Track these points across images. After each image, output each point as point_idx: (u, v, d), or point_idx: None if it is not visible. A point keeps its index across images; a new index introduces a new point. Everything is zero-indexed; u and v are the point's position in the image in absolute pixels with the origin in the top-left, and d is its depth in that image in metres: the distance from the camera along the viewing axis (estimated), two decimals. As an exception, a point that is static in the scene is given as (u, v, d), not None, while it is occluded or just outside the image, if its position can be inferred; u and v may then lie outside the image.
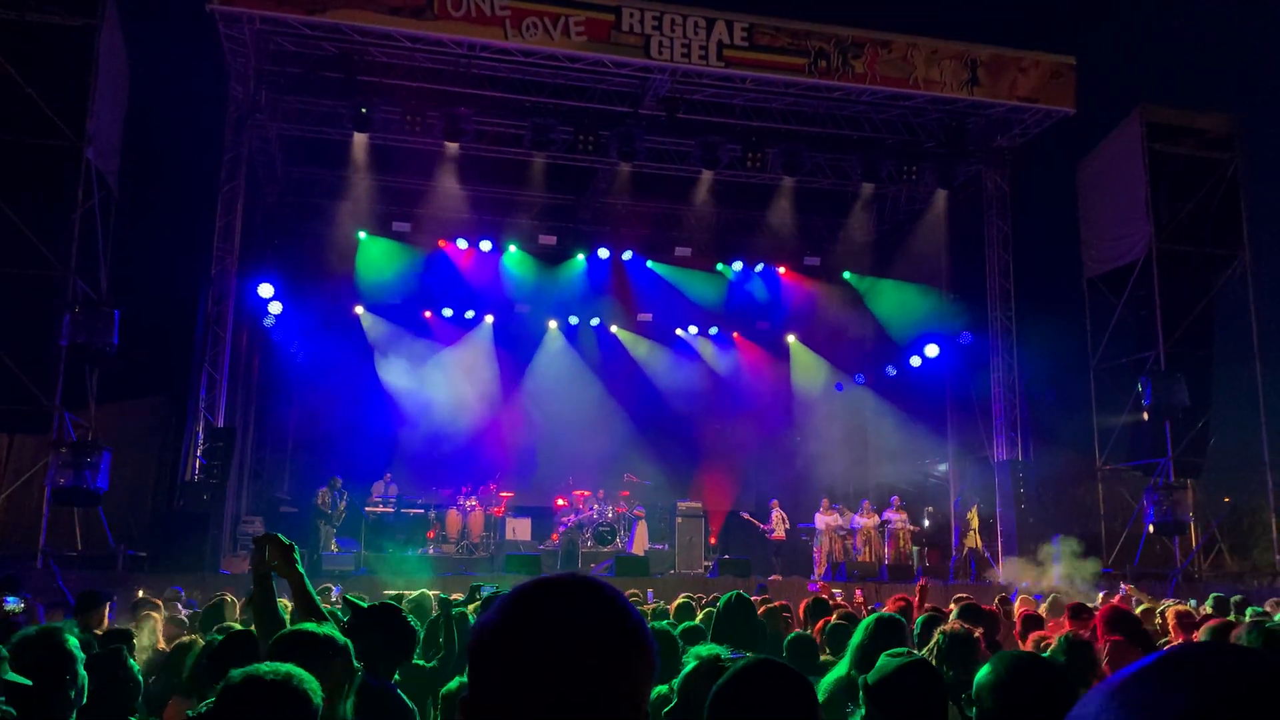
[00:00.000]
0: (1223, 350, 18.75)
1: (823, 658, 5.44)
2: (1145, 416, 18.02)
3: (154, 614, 6.88)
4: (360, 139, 17.40)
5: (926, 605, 7.06)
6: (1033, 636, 6.05)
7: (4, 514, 14.71)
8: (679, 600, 8.12)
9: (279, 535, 3.75)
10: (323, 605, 3.92)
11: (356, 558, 16.12)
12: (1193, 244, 18.41)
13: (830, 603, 8.12)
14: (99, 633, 5.41)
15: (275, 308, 17.81)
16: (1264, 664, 0.75)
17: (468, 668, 1.26)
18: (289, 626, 3.28)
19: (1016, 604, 10.06)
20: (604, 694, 1.19)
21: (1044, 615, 7.81)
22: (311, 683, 2.38)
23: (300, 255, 20.19)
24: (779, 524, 18.93)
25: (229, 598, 7.56)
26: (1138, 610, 7.51)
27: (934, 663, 4.05)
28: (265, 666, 2.36)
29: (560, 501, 18.70)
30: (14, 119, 14.68)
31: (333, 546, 16.64)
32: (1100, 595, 10.87)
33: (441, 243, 20.71)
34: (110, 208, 15.95)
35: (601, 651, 1.20)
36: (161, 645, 6.07)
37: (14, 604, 6.58)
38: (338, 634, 3.07)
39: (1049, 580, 16.64)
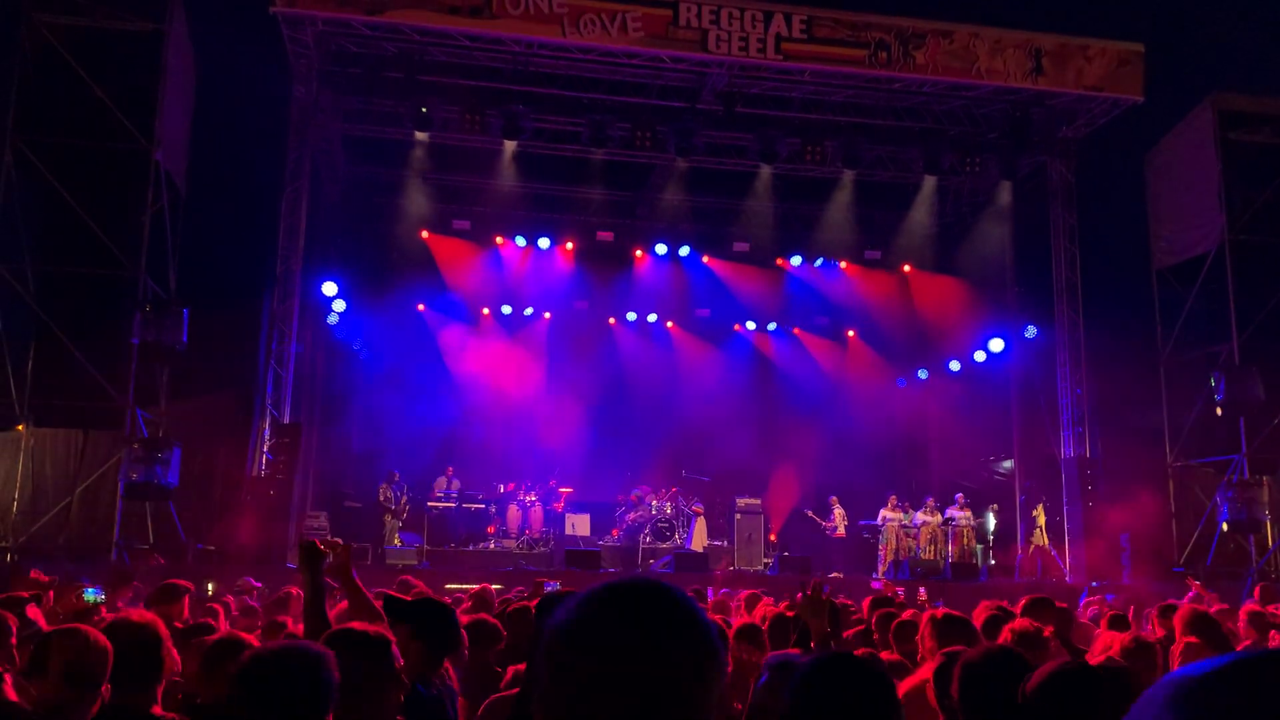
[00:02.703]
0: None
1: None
2: (1218, 411, 17.53)
3: (216, 605, 7.03)
4: (421, 138, 17.57)
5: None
6: (1107, 637, 5.91)
7: (79, 508, 15.09)
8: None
9: (314, 542, 3.75)
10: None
11: (419, 552, 16.32)
12: (1268, 234, 17.89)
13: (894, 600, 8.02)
14: (179, 625, 5.51)
15: (339, 305, 18.08)
16: None
17: (538, 671, 1.25)
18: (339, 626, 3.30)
19: (1084, 604, 9.88)
20: (675, 699, 1.19)
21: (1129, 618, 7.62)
22: (321, 656, 2.40)
23: (363, 254, 20.46)
24: (840, 521, 18.79)
25: (294, 591, 7.67)
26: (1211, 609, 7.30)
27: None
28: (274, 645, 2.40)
29: (629, 497, 18.72)
30: (86, 123, 15.08)
31: (396, 541, 16.85)
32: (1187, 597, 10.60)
33: (500, 240, 20.85)
34: (178, 208, 16.32)
35: (674, 657, 1.20)
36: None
37: (95, 595, 6.74)
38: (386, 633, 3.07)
39: (1118, 579, 16.34)
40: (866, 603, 7.40)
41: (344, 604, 4.40)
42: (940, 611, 4.79)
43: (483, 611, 6.34)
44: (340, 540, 3.82)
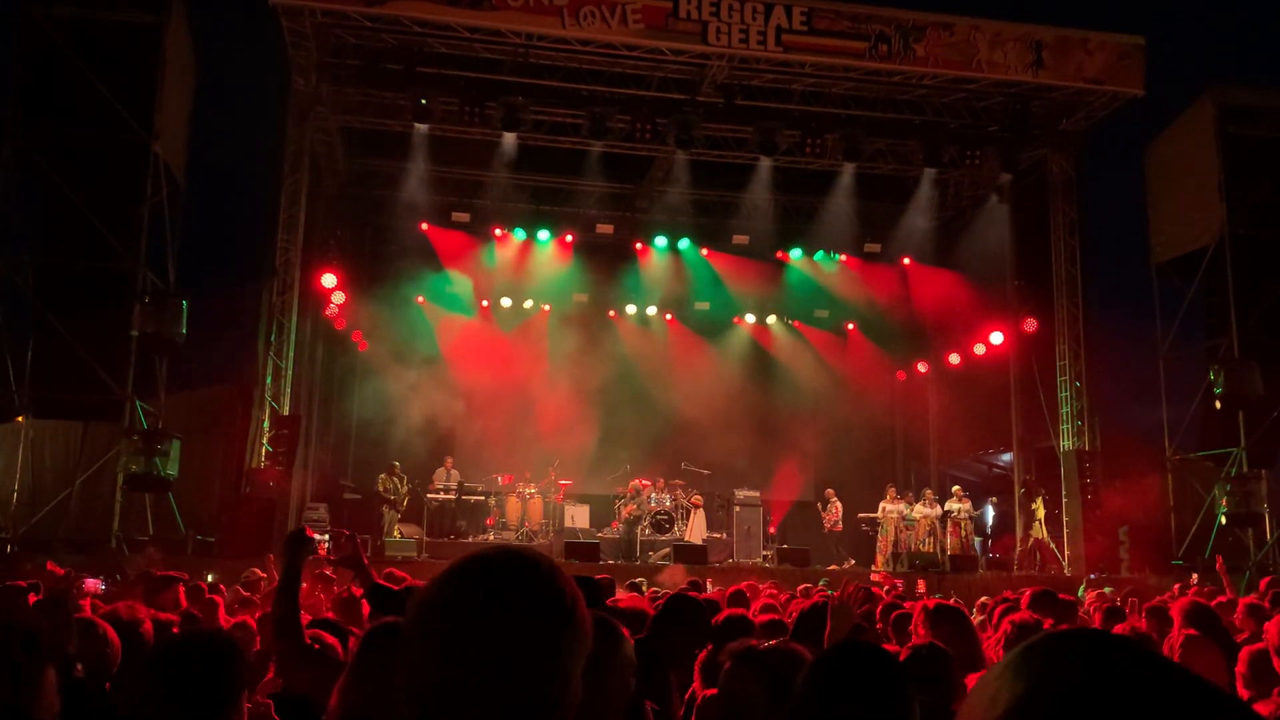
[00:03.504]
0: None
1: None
2: (1218, 405, 17.55)
3: (216, 597, 7.05)
4: (420, 130, 17.54)
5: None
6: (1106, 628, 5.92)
7: (79, 500, 15.09)
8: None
9: (305, 530, 3.74)
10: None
11: (419, 544, 16.34)
12: (1268, 228, 17.88)
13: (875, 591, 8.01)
14: (175, 616, 5.53)
15: (338, 297, 18.05)
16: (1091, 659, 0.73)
17: (407, 634, 1.27)
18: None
19: (1084, 595, 9.89)
20: (526, 665, 1.21)
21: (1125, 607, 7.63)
22: (230, 644, 2.40)
23: (362, 245, 20.49)
24: (838, 515, 18.82)
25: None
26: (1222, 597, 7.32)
27: (1003, 651, 3.99)
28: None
29: (624, 490, 18.72)
30: (85, 114, 15.04)
31: (396, 533, 16.87)
32: (1176, 587, 10.63)
33: (500, 232, 20.84)
34: (177, 200, 16.31)
35: (531, 626, 1.22)
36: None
37: (97, 584, 6.76)
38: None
39: (1117, 572, 16.39)
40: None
41: (358, 591, 4.40)
42: (932, 602, 4.78)
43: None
44: (346, 530, 3.82)
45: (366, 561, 3.83)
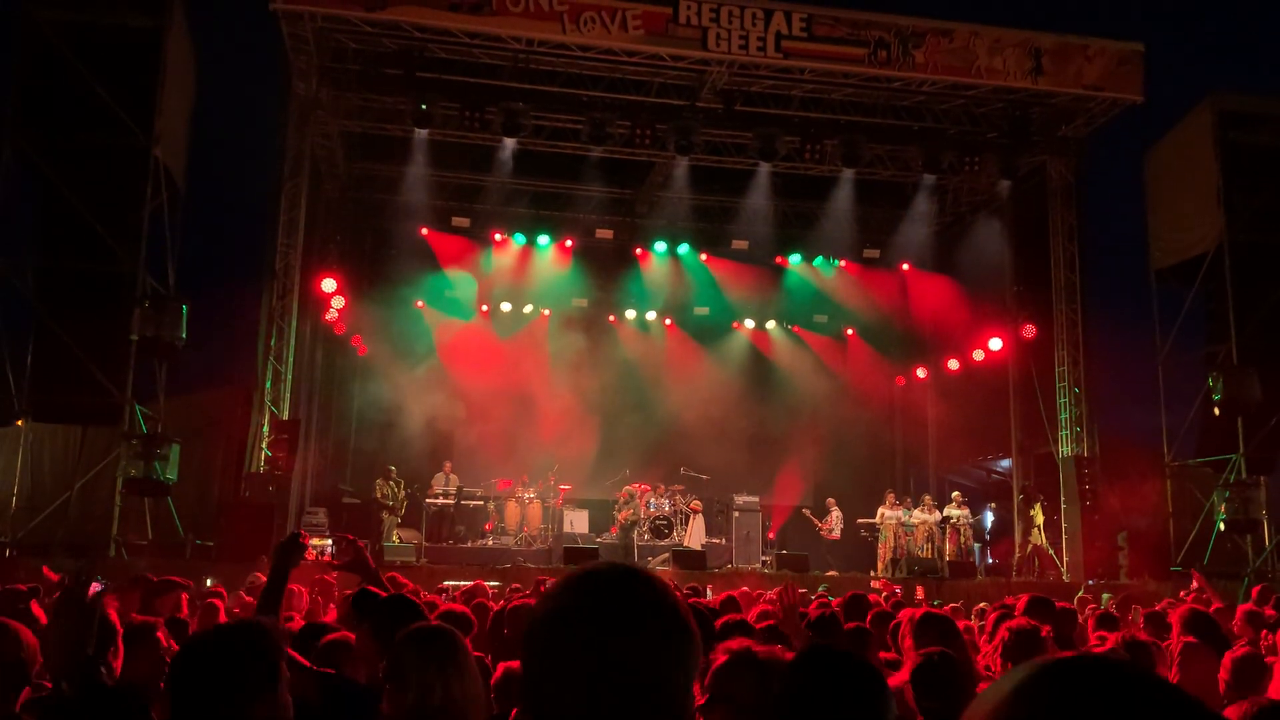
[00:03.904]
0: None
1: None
2: (1216, 411, 17.56)
3: (216, 601, 7.03)
4: (420, 135, 17.56)
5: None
6: (1099, 635, 5.93)
7: (78, 504, 15.08)
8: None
9: (302, 534, 3.74)
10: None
11: (418, 549, 16.34)
12: (1267, 234, 17.89)
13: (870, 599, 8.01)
14: (179, 617, 5.53)
15: (338, 302, 18.05)
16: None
17: (522, 656, 1.28)
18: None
19: (1076, 601, 9.89)
20: (652, 678, 1.22)
21: (1116, 614, 7.64)
22: (264, 631, 2.37)
23: (362, 250, 20.49)
24: (836, 524, 18.82)
25: (295, 588, 7.68)
26: (1211, 608, 7.32)
27: (1000, 659, 3.98)
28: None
29: (618, 495, 18.73)
30: (85, 118, 15.04)
31: (395, 537, 16.85)
32: (1181, 594, 10.62)
33: (500, 237, 20.86)
34: (177, 204, 16.30)
35: (649, 638, 1.23)
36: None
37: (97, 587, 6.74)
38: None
39: (1116, 578, 16.38)
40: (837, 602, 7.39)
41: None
42: (919, 611, 4.77)
43: (469, 603, 6.35)
44: (349, 535, 3.81)
45: (373, 564, 3.81)
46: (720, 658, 2.59)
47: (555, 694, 1.23)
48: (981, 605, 8.77)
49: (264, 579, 9.50)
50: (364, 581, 3.78)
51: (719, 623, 4.96)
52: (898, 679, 3.84)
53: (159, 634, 3.88)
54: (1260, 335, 17.74)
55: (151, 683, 3.53)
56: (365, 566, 3.72)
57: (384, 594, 3.93)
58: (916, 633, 4.22)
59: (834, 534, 18.76)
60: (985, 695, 0.77)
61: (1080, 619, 7.25)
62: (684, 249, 21.50)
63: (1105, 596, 11.03)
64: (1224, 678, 4.16)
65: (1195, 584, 10.20)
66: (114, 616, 3.35)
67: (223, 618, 6.65)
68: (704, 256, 21.73)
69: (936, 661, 3.26)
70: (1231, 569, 16.69)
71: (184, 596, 6.32)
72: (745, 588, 9.57)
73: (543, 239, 20.87)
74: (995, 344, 19.64)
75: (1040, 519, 17.75)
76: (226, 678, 2.32)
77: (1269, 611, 7.27)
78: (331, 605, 7.97)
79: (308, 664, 3.47)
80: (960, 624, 5.46)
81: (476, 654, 5.02)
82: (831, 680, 2.08)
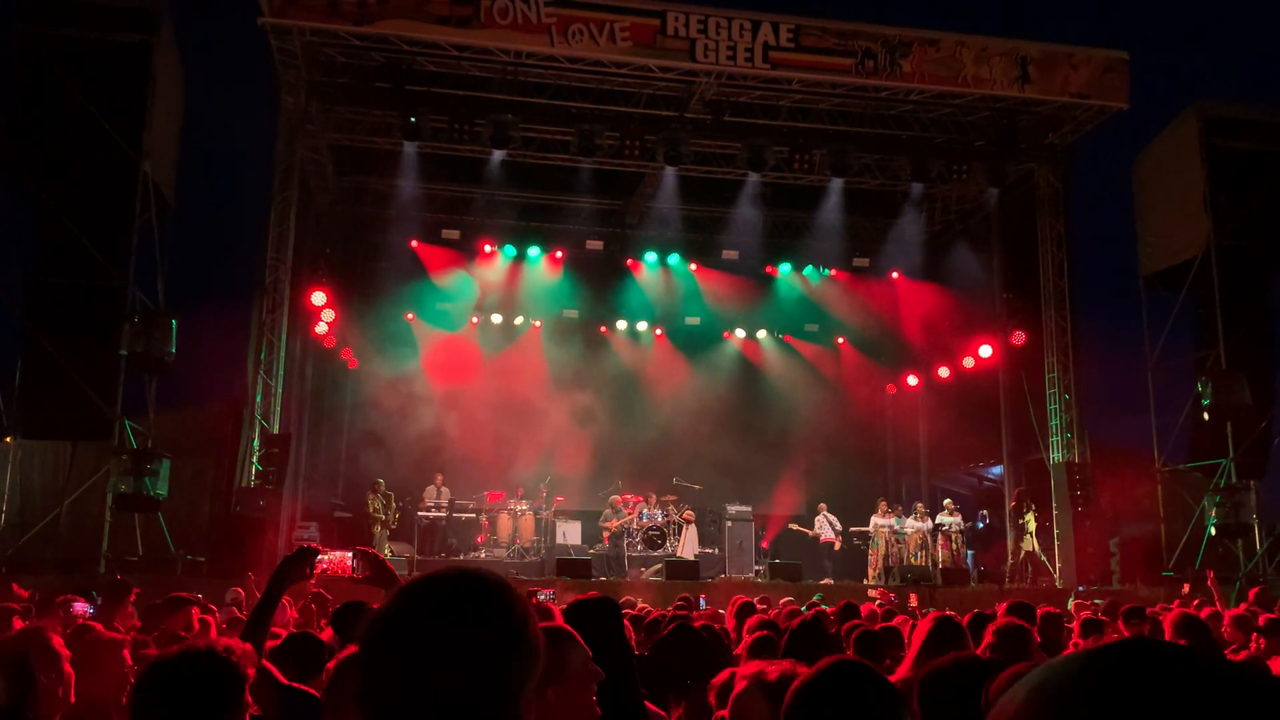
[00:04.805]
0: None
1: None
2: (1206, 416, 17.62)
3: (209, 618, 6.99)
4: (409, 148, 17.58)
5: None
6: (1090, 641, 5.94)
7: (68, 520, 15.02)
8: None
9: (313, 545, 3.69)
10: None
11: (410, 562, 16.29)
12: (1254, 240, 18.00)
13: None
14: (184, 634, 5.50)
15: (328, 315, 18.04)
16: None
17: (362, 658, 1.31)
18: None
19: (1071, 607, 9.91)
20: (485, 683, 1.25)
21: (1104, 619, 7.66)
22: (227, 660, 2.36)
23: (351, 263, 20.48)
24: (823, 527, 18.82)
25: (283, 601, 7.65)
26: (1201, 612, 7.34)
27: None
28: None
29: (610, 506, 18.70)
30: (74, 134, 15.04)
31: (387, 551, 16.79)
32: (1176, 601, 10.64)
33: (490, 249, 20.87)
34: (167, 219, 16.29)
35: (482, 642, 1.26)
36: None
37: (84, 608, 6.71)
38: None
39: (1108, 583, 16.40)
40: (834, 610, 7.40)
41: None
42: (932, 616, 4.78)
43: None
44: (367, 548, 3.74)
45: (397, 576, 3.72)
46: (739, 684, 2.58)
47: (379, 693, 1.25)
48: (975, 612, 8.77)
49: (242, 594, 9.44)
50: (388, 593, 3.71)
51: (843, 628, 4.95)
52: (895, 677, 3.84)
53: (124, 651, 3.85)
54: (1248, 340, 17.83)
55: (113, 703, 3.51)
56: (390, 580, 3.64)
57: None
58: (928, 638, 4.21)
59: (826, 537, 18.72)
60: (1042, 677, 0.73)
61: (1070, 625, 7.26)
62: (674, 259, 21.54)
63: (1097, 602, 11.03)
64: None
65: (1201, 586, 10.22)
66: (57, 643, 3.30)
67: (214, 635, 6.63)
68: (694, 267, 21.78)
69: (949, 669, 3.24)
70: (1223, 573, 16.71)
71: (195, 611, 6.28)
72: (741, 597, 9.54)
73: (533, 250, 20.90)
74: (985, 351, 19.69)
75: (1033, 525, 17.77)
76: (185, 706, 2.31)
77: (1263, 617, 7.28)
78: (323, 620, 7.94)
79: (283, 679, 3.46)
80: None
81: None
82: (849, 694, 2.04)
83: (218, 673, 2.36)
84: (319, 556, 3.62)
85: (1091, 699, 0.67)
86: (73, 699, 3.28)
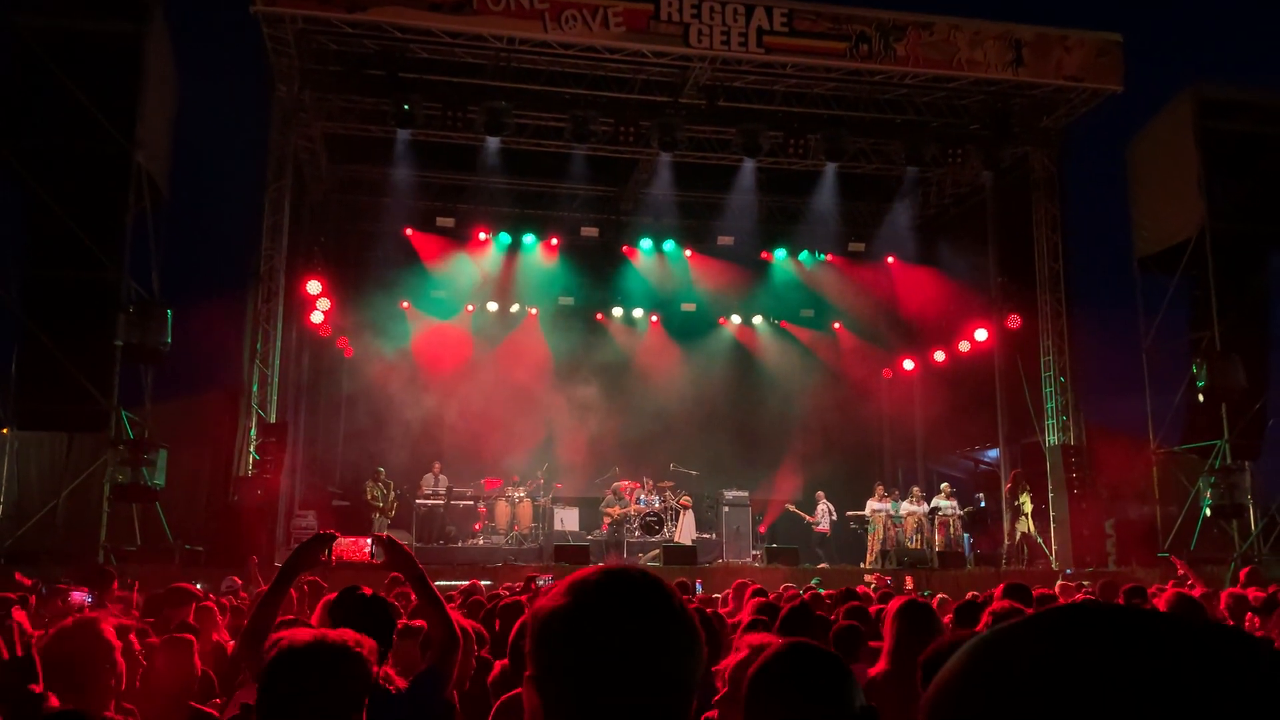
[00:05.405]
0: (1281, 329, 18.36)
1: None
2: (1200, 398, 17.68)
3: (209, 604, 7.01)
4: (403, 135, 17.55)
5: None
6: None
7: (65, 512, 15.02)
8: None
9: (333, 533, 3.63)
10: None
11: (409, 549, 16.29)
12: (1248, 222, 18.01)
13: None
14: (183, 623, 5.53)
15: (323, 304, 18.03)
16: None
17: (531, 652, 1.30)
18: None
19: (1057, 589, 9.95)
20: (658, 675, 1.26)
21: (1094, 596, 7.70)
22: (354, 652, 2.30)
23: (346, 252, 20.45)
24: (823, 516, 18.87)
25: (290, 594, 7.66)
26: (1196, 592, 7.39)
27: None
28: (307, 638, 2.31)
29: (613, 492, 18.75)
30: (66, 124, 14.98)
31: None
32: (1171, 581, 10.68)
33: (485, 236, 20.84)
34: (160, 209, 16.26)
35: (656, 636, 1.27)
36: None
37: (83, 597, 6.74)
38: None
39: (1104, 565, 16.47)
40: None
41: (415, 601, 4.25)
42: (899, 600, 4.78)
43: (470, 613, 6.35)
44: (385, 535, 3.71)
45: (418, 562, 3.68)
46: (741, 653, 2.64)
47: (562, 691, 1.25)
48: (972, 594, 8.83)
49: (239, 581, 9.44)
50: (409, 579, 3.69)
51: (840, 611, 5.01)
52: (877, 668, 3.88)
53: (131, 637, 3.82)
54: (1242, 321, 17.87)
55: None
56: (410, 565, 3.61)
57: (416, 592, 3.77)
58: (897, 622, 4.23)
59: (821, 527, 18.80)
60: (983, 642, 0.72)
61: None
62: (669, 246, 21.53)
63: (1085, 584, 11.10)
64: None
65: (1180, 570, 10.28)
66: (109, 634, 3.29)
67: (218, 620, 6.65)
68: (689, 253, 21.77)
69: (945, 652, 3.28)
70: (1218, 554, 16.82)
71: (193, 606, 6.30)
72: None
73: (528, 237, 20.88)
74: (981, 335, 19.73)
75: (1028, 508, 17.83)
76: (318, 697, 2.24)
77: (1253, 595, 7.33)
78: (318, 606, 7.94)
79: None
80: (946, 619, 5.50)
81: (484, 654, 5.04)
82: (795, 669, 2.15)
83: (345, 665, 2.29)
84: (336, 541, 3.56)
85: (1034, 660, 0.67)
86: (123, 687, 3.29)
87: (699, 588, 11.52)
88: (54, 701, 3.01)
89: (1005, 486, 18.77)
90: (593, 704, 1.24)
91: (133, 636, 3.90)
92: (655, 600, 1.30)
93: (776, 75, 17.35)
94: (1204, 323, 18.08)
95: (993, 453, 20.64)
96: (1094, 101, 17.81)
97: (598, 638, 1.26)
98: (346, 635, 2.37)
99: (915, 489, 19.02)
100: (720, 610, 7.03)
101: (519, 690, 4.15)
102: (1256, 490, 17.63)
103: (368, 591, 3.65)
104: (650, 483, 18.62)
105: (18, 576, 8.53)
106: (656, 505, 18.21)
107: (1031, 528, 17.81)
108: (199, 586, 9.79)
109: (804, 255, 22.12)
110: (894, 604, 4.17)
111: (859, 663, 4.64)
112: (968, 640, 0.74)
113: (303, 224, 18.21)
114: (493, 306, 21.50)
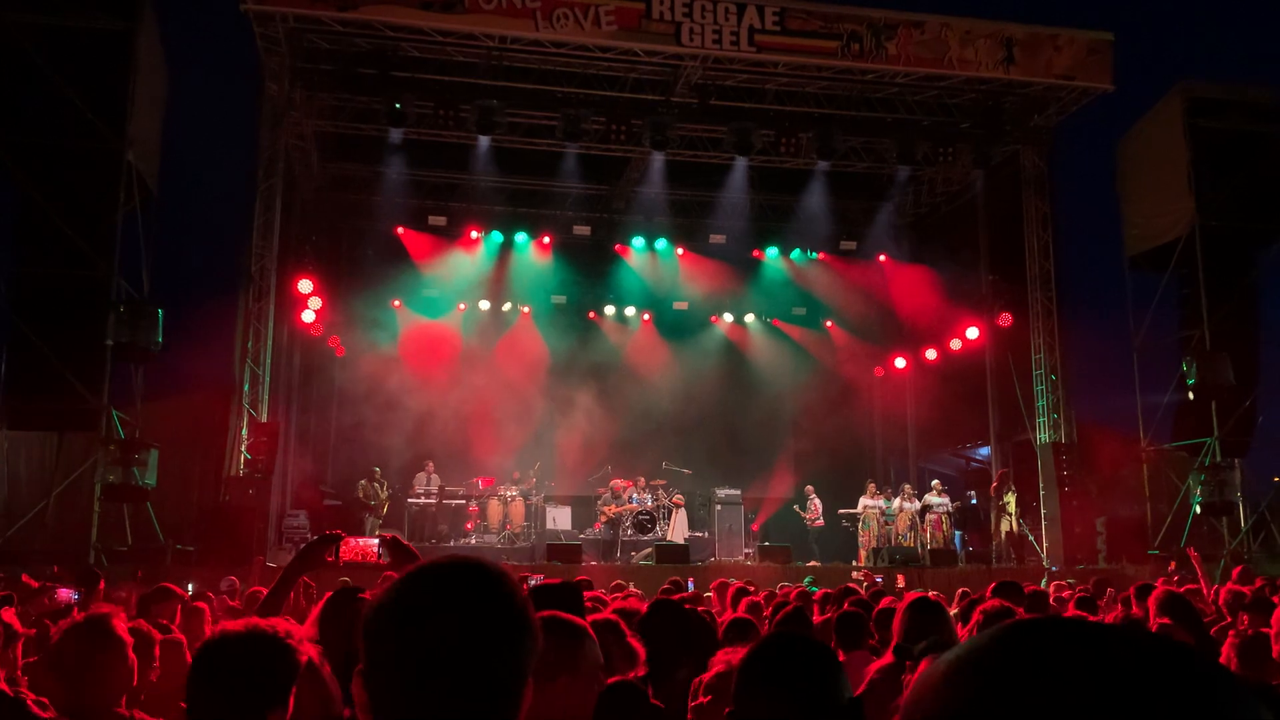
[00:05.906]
0: (1270, 327, 18.46)
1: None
2: (1190, 396, 17.76)
3: (202, 604, 7.01)
4: (395, 134, 17.51)
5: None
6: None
7: (56, 511, 14.98)
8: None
9: (339, 533, 3.63)
10: None
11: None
12: (1237, 219, 18.09)
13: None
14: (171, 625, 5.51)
15: (314, 303, 17.99)
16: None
17: (361, 646, 1.32)
18: None
19: (1049, 587, 9.98)
20: (479, 666, 1.27)
21: (1085, 593, 7.73)
22: (284, 640, 2.30)
23: (338, 250, 20.39)
24: (818, 512, 18.90)
25: (260, 590, 7.67)
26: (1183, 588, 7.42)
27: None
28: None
29: (600, 491, 18.75)
30: (56, 123, 14.93)
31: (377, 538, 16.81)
32: (1160, 579, 10.73)
33: (476, 235, 20.81)
34: (151, 208, 16.21)
35: (475, 627, 1.28)
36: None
37: (69, 594, 6.72)
38: None
39: (1095, 563, 16.53)
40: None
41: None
42: (910, 597, 4.82)
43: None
44: (391, 534, 3.72)
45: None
46: (719, 667, 2.64)
47: (387, 684, 1.27)
48: (963, 590, 8.85)
49: (238, 582, 9.44)
50: (380, 583, 3.70)
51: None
52: (880, 663, 3.89)
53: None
54: (1232, 319, 17.95)
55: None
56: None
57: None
58: (906, 617, 4.25)
59: (819, 521, 18.84)
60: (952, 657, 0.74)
61: (1052, 603, 7.32)
62: (661, 244, 21.53)
63: (1070, 581, 11.12)
64: (1231, 656, 4.23)
65: (1186, 564, 10.30)
66: (121, 629, 3.29)
67: (208, 620, 6.64)
68: (681, 251, 21.77)
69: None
70: (1208, 551, 16.88)
71: (179, 606, 6.29)
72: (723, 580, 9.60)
73: (520, 236, 20.86)
74: (972, 333, 19.77)
75: (1013, 506, 17.87)
76: (239, 684, 2.23)
77: (1247, 592, 7.36)
78: (314, 608, 7.95)
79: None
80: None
81: None
82: (786, 661, 2.16)
83: (273, 654, 2.27)
84: (343, 542, 3.54)
85: (998, 671, 0.69)
86: (135, 683, 3.28)
87: (690, 585, 11.52)
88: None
89: (991, 485, 18.82)
90: (414, 696, 1.25)
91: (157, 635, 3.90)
92: (480, 591, 1.31)
93: (768, 74, 17.36)
94: (1194, 320, 18.16)
95: (984, 450, 20.71)
96: (1084, 100, 17.86)
97: (413, 629, 1.27)
98: (278, 625, 2.36)
99: (907, 486, 19.06)
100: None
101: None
102: (1246, 487, 17.73)
103: (366, 596, 3.65)
104: (643, 481, 18.63)
105: (24, 579, 8.52)
106: (649, 504, 18.22)
107: (1015, 525, 17.82)
108: (190, 587, 9.79)
109: (796, 253, 22.14)
110: (906, 599, 4.19)
111: (861, 650, 4.67)
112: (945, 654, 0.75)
113: (293, 223, 18.15)
114: (485, 305, 21.46)
